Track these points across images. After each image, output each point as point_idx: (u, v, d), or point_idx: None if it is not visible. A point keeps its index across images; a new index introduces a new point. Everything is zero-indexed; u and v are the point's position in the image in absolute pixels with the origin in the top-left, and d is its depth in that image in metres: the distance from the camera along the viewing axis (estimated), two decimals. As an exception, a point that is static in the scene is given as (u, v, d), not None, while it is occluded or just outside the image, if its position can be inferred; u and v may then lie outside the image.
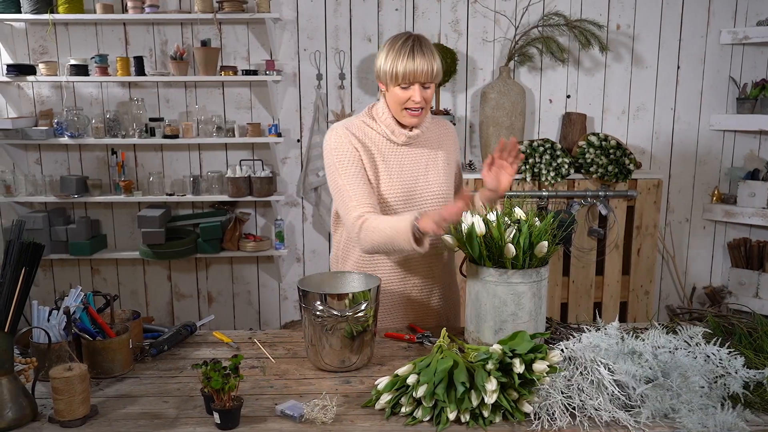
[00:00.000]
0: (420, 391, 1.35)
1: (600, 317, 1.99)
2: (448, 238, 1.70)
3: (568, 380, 1.40)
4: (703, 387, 1.37)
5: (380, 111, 1.89)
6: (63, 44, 3.73)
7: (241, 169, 3.69)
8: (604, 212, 3.48)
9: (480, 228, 1.62)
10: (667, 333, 1.58)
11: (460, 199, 1.59)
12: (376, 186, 1.87)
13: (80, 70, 3.58)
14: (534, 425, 1.33)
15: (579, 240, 3.56)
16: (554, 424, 1.33)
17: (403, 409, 1.37)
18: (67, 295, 1.59)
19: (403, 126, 1.89)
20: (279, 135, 3.66)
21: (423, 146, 1.94)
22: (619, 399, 1.37)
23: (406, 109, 1.82)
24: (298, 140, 3.85)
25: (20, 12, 3.51)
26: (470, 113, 3.83)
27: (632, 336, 1.50)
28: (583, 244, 3.56)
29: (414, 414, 1.36)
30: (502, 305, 1.63)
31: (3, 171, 3.74)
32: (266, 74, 3.59)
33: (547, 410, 1.35)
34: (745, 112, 3.69)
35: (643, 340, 1.48)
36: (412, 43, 1.78)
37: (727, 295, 3.84)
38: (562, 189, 3.50)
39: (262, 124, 3.73)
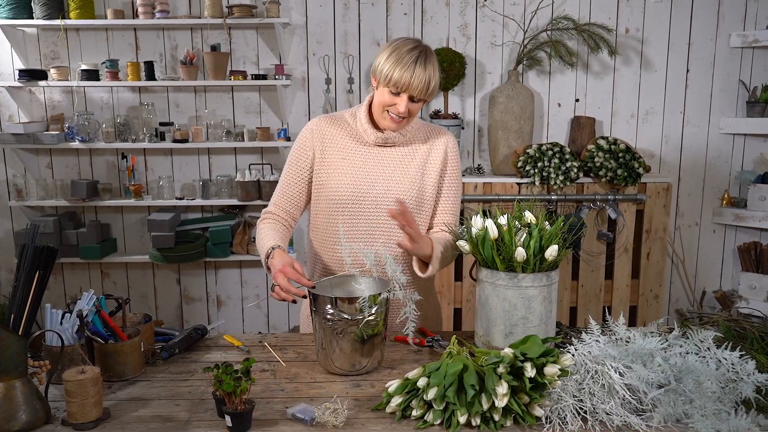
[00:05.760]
0: (430, 394, 1.35)
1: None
2: (462, 242, 1.70)
3: (580, 384, 1.39)
4: (715, 392, 1.36)
5: (361, 110, 1.89)
6: (74, 49, 3.76)
7: (250, 173, 3.70)
8: (613, 216, 3.47)
9: (493, 232, 1.62)
10: (678, 337, 1.57)
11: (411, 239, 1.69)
12: (325, 182, 1.87)
13: (91, 75, 3.61)
14: (545, 429, 1.33)
15: (588, 244, 3.55)
16: (566, 428, 1.32)
17: (413, 413, 1.37)
18: (79, 299, 1.60)
19: (378, 128, 1.86)
20: (288, 139, 3.67)
21: (398, 150, 1.88)
22: (631, 403, 1.36)
23: (387, 112, 1.79)
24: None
25: (32, 18, 3.54)
26: (479, 117, 3.83)
27: (643, 340, 1.50)
28: (592, 248, 3.55)
29: (425, 417, 1.36)
30: (512, 309, 1.62)
31: (14, 175, 3.78)
32: (275, 79, 3.60)
33: (559, 414, 1.35)
34: (755, 115, 3.68)
35: (654, 345, 1.47)
36: (418, 53, 1.73)
37: (738, 299, 3.82)
38: (570, 193, 3.49)
39: (271, 128, 3.74)
